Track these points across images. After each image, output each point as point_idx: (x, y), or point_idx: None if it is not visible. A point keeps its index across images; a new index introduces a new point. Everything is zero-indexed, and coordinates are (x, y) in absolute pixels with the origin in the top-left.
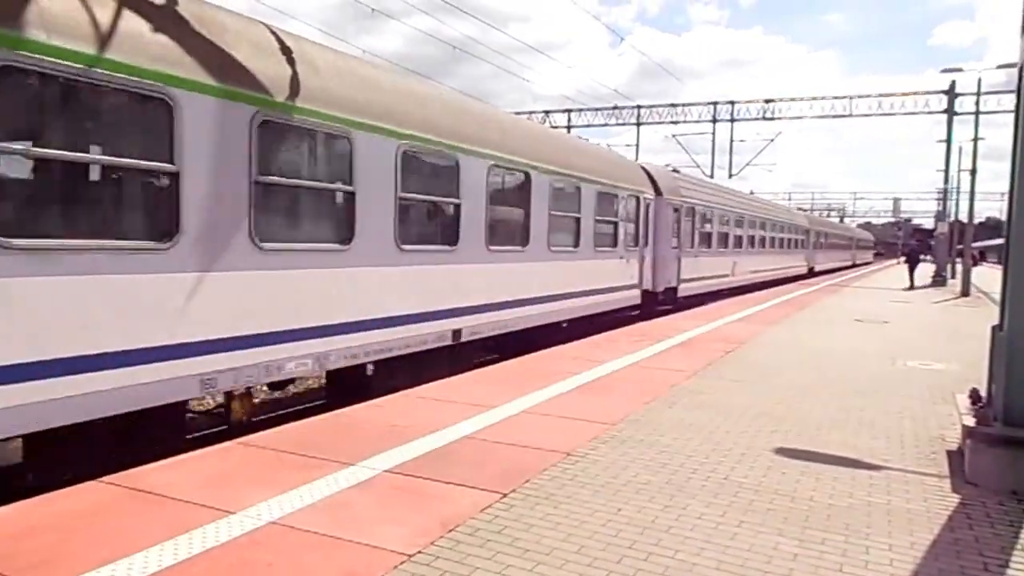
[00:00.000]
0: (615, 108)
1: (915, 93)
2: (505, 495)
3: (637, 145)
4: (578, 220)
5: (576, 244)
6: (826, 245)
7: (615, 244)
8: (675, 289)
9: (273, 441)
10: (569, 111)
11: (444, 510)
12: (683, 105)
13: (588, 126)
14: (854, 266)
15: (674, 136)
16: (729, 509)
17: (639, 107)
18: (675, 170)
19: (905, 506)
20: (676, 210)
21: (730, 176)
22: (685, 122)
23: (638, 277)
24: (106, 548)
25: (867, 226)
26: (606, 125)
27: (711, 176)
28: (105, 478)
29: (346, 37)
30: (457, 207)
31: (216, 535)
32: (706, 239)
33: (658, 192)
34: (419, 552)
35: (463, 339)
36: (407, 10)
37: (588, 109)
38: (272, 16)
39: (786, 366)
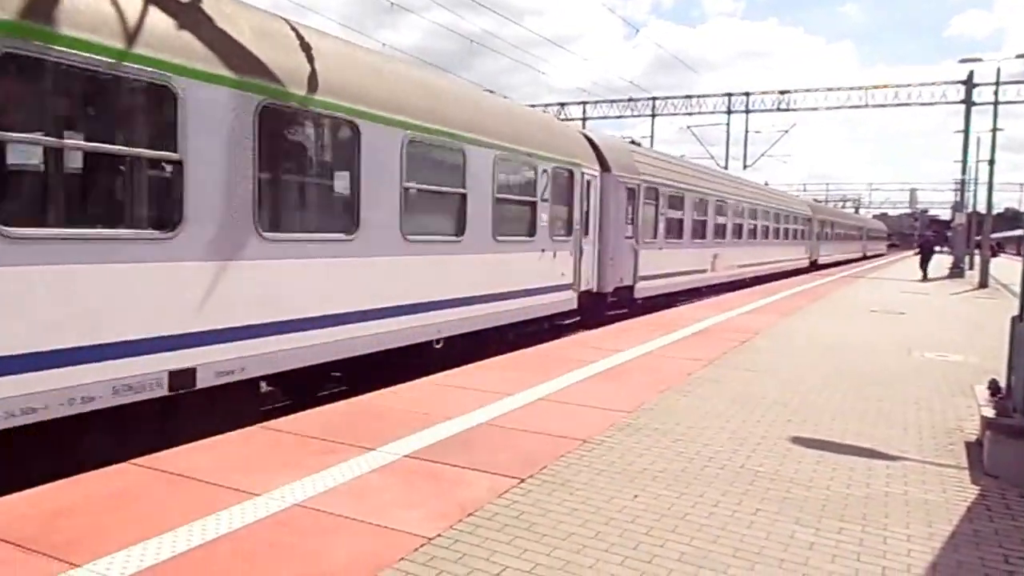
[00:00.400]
0: (630, 100)
1: (933, 83)
2: (523, 481)
3: (652, 136)
4: (463, 197)
5: (459, 232)
6: (832, 236)
7: (532, 232)
8: (631, 288)
9: (296, 426)
10: (584, 103)
11: (463, 495)
12: (698, 96)
13: (603, 118)
14: (864, 258)
15: (689, 128)
16: (745, 497)
17: (654, 99)
18: (634, 142)
19: (923, 496)
20: (631, 191)
21: (744, 167)
22: (700, 113)
23: (572, 275)
24: (137, 528)
25: (882, 217)
26: (621, 117)
27: (725, 167)
28: (135, 460)
29: (365, 31)
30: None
31: (242, 516)
32: (675, 227)
33: (605, 168)
34: (439, 535)
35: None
36: (426, 4)
37: (603, 101)
38: (293, 11)
39: (801, 356)
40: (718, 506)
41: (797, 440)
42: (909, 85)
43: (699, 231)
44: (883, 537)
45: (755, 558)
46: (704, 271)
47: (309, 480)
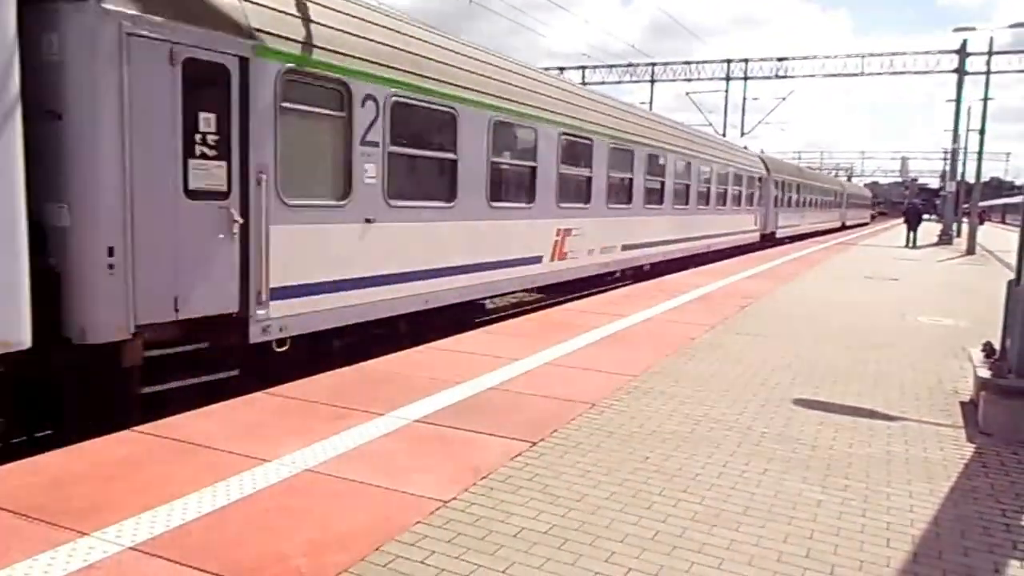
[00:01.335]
0: (629, 65)
1: (927, 52)
2: (534, 444)
3: (651, 102)
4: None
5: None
6: (799, 202)
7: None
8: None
9: (302, 392)
10: (583, 67)
11: (475, 458)
12: (697, 63)
13: (602, 83)
14: (843, 228)
15: (688, 94)
16: (752, 458)
17: (653, 64)
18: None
19: (923, 455)
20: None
21: (742, 134)
22: (699, 79)
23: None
24: (146, 495)
25: (873, 185)
26: (620, 82)
27: (724, 134)
28: (139, 427)
29: None
30: None
31: (253, 482)
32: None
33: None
34: (454, 499)
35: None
36: None
37: (602, 66)
38: None
39: (800, 321)
40: (727, 466)
41: (800, 402)
42: (904, 54)
43: (517, 185)
44: (886, 494)
45: (765, 516)
46: (537, 259)
47: (319, 445)
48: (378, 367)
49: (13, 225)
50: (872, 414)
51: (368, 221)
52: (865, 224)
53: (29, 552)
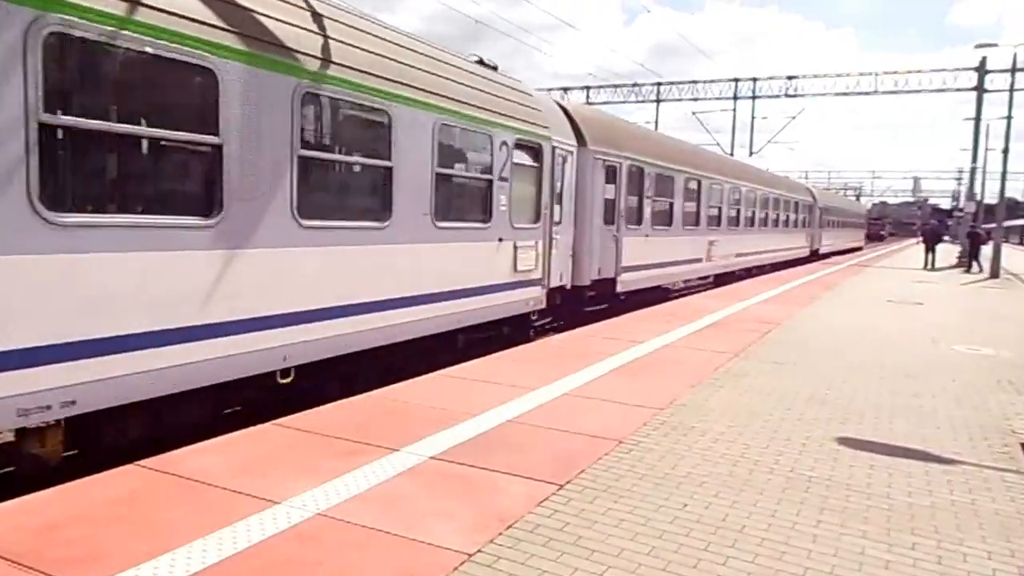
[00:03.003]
0: (635, 85)
1: (943, 70)
2: (561, 487)
3: (656, 122)
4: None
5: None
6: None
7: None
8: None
9: (311, 424)
10: (588, 88)
11: (500, 503)
12: (704, 82)
13: (607, 103)
14: (815, 257)
15: (694, 114)
16: (803, 507)
17: (659, 84)
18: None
19: (992, 507)
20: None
21: (751, 154)
22: (705, 99)
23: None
24: (146, 541)
25: (882, 205)
26: (625, 102)
27: (731, 154)
28: (141, 462)
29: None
30: None
31: (261, 528)
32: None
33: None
34: (479, 551)
35: None
36: None
37: (607, 86)
38: None
39: (827, 348)
40: (775, 516)
41: (843, 441)
42: (919, 71)
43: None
44: (962, 554)
45: None
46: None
47: (331, 486)
48: (387, 396)
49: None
50: (925, 456)
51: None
52: (858, 249)
53: None
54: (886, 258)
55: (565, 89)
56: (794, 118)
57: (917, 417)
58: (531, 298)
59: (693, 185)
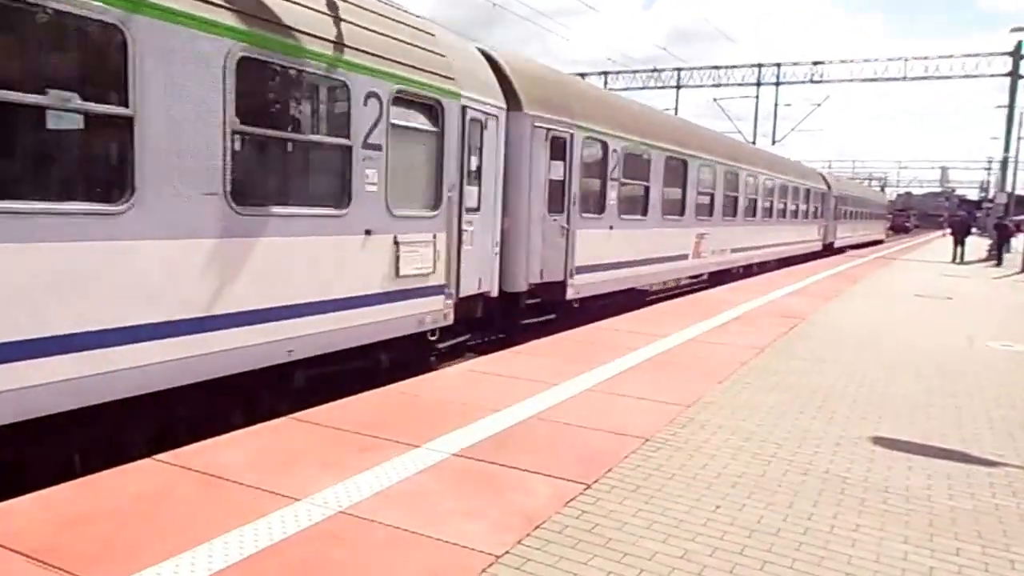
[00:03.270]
0: (654, 71)
1: (976, 55)
2: (588, 486)
3: (676, 109)
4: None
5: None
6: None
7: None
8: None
9: (331, 418)
10: (606, 73)
11: (526, 503)
12: (726, 67)
13: (626, 89)
14: (829, 251)
15: (715, 100)
16: (840, 509)
17: (679, 69)
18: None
19: None
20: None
21: (773, 142)
22: (727, 85)
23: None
24: (167, 539)
25: (907, 196)
26: (644, 88)
27: (753, 142)
28: (158, 456)
29: None
30: None
31: (283, 526)
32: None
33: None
34: (507, 552)
35: None
36: None
37: (626, 71)
38: None
39: (856, 344)
40: (812, 520)
41: (878, 440)
42: (950, 56)
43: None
44: (1010, 561)
45: None
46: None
47: (353, 482)
48: (407, 390)
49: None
50: (966, 458)
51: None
52: (878, 242)
53: None
54: (912, 251)
55: (582, 75)
56: (819, 105)
57: (954, 416)
58: (427, 312)
59: (676, 167)
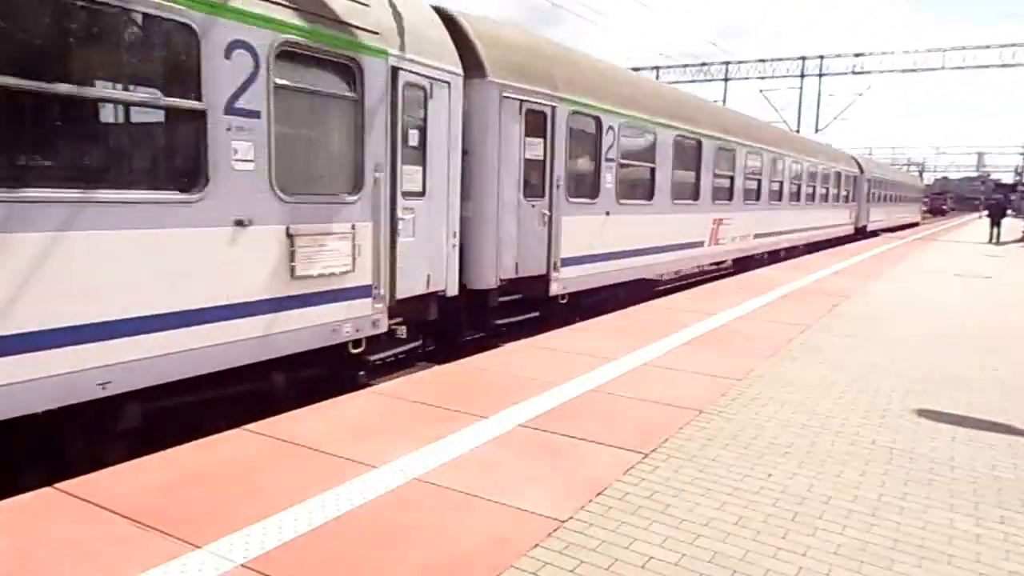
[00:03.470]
0: (703, 65)
1: (1014, 45)
2: (646, 455)
3: (724, 101)
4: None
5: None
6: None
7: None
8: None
9: (405, 391)
10: (657, 68)
11: (588, 470)
12: (771, 60)
13: (675, 83)
14: (861, 235)
15: (761, 91)
16: (887, 478)
17: (727, 63)
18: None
19: None
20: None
21: (816, 131)
22: (773, 77)
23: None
24: (256, 503)
25: (944, 181)
26: (693, 81)
27: (797, 131)
28: (247, 427)
29: None
30: None
31: (362, 492)
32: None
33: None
34: (571, 518)
35: None
36: None
37: (675, 66)
38: None
39: (901, 321)
40: (860, 488)
41: (923, 413)
42: (987, 47)
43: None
44: None
45: (919, 551)
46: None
47: (427, 450)
48: (474, 365)
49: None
50: (1009, 430)
51: None
52: (913, 225)
53: (142, 565)
54: (949, 232)
55: (636, 69)
56: (860, 95)
57: (997, 390)
58: (345, 320)
59: (688, 147)
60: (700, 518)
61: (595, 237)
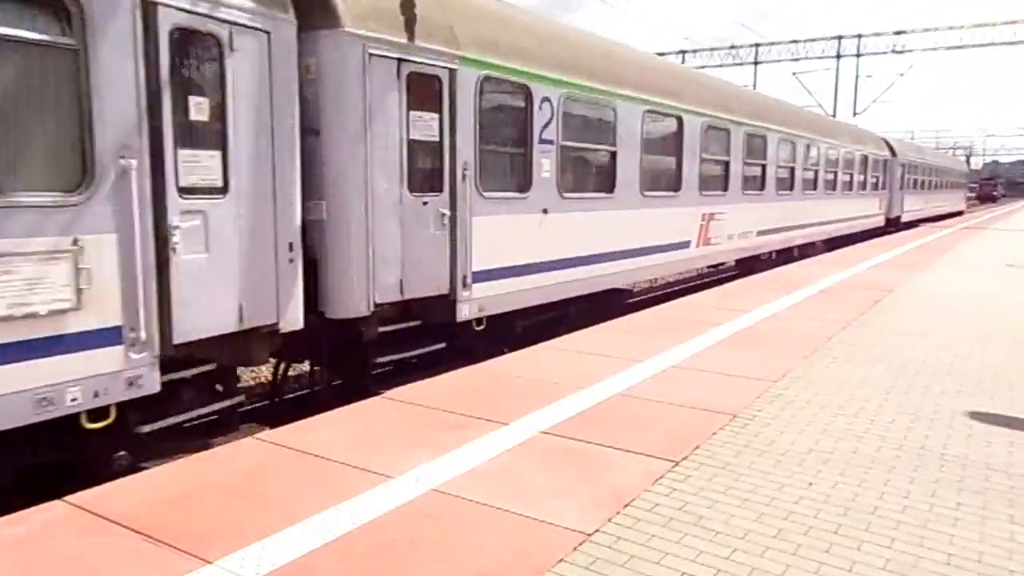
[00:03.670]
0: (732, 48)
1: None
2: (677, 463)
3: (755, 85)
4: None
5: None
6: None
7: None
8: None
9: (420, 396)
10: (683, 52)
11: (615, 480)
12: (804, 41)
13: (704, 67)
14: (894, 227)
15: (795, 74)
16: (938, 487)
17: (757, 45)
18: None
19: None
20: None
21: (854, 114)
22: (807, 59)
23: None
24: (268, 515)
25: (993, 165)
26: (722, 66)
27: (834, 115)
28: (259, 435)
29: None
30: None
31: (377, 504)
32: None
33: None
34: (597, 531)
35: None
36: None
37: (703, 50)
38: None
39: (946, 316)
40: (909, 498)
41: (976, 415)
42: None
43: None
44: None
45: (976, 567)
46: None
47: (444, 460)
48: (495, 368)
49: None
50: None
51: None
52: (957, 213)
53: None
54: (1000, 220)
55: (661, 54)
56: (902, 75)
57: None
58: (66, 384)
59: (666, 125)
60: (736, 531)
61: (527, 242)
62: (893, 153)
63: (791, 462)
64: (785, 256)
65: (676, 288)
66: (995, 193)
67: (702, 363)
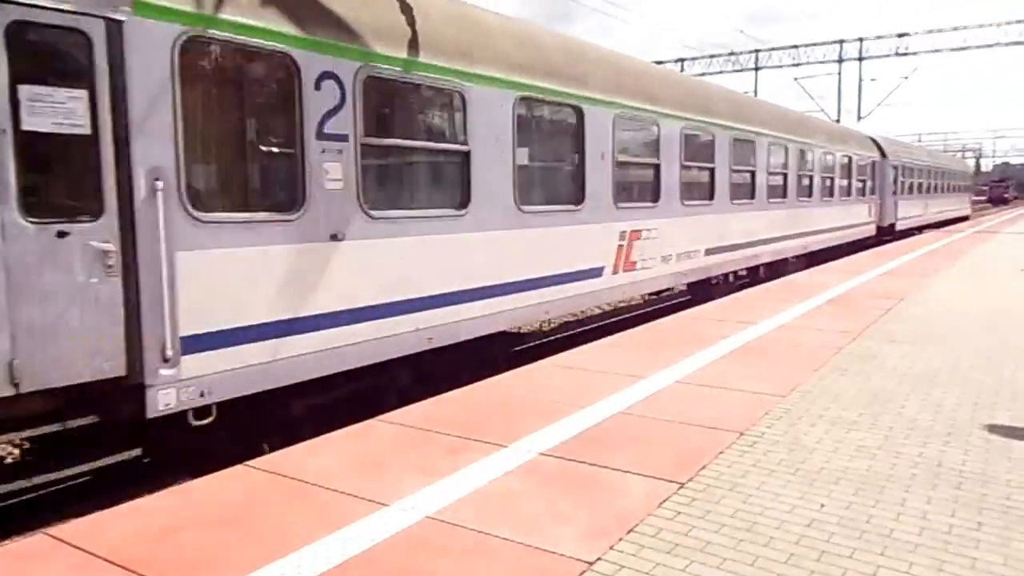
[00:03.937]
0: (731, 54)
1: None
2: (682, 485)
3: (756, 91)
4: None
5: None
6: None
7: None
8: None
9: (416, 419)
10: (682, 60)
11: (617, 504)
12: (806, 46)
13: (703, 74)
14: (888, 236)
15: (796, 79)
16: (957, 507)
17: (757, 51)
18: None
19: None
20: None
21: (859, 119)
22: (808, 64)
23: None
24: (259, 547)
25: (1004, 166)
26: (721, 72)
27: (838, 120)
28: (250, 463)
29: None
30: None
31: (372, 533)
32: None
33: None
34: (599, 559)
35: None
36: None
37: (702, 57)
38: None
39: (961, 325)
40: (927, 518)
41: (995, 429)
42: None
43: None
44: None
45: None
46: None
47: (440, 485)
48: (492, 387)
49: None
50: None
51: None
52: (962, 218)
53: None
54: (1013, 223)
55: (658, 63)
56: (906, 78)
57: None
58: None
59: (556, 116)
60: (744, 556)
61: (305, 284)
62: (883, 154)
63: (802, 482)
64: (751, 276)
65: (575, 332)
66: (1007, 195)
67: (706, 378)
